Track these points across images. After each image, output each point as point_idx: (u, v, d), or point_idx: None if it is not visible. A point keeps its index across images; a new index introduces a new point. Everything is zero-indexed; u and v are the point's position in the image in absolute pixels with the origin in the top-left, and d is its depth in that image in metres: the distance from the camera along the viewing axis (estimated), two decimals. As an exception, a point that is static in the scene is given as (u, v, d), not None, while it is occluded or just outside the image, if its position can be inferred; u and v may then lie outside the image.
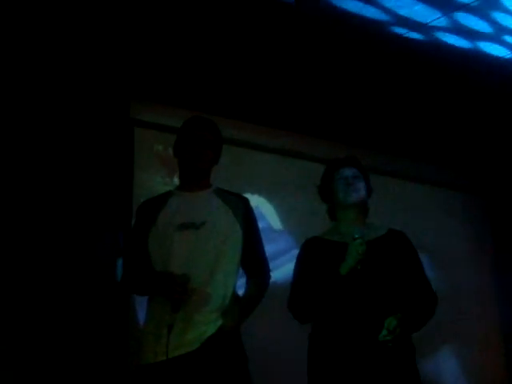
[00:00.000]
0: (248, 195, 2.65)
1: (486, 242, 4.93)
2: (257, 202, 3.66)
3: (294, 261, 2.52)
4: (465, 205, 4.90)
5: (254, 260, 2.47)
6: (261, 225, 2.60)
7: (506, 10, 3.36)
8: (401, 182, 4.54)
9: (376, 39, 3.50)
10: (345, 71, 3.76)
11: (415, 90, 3.95)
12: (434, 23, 3.40)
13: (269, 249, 2.61)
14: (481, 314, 4.66)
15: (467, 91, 3.90)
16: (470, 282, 4.67)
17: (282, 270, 3.16)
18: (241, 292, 2.43)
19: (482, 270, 4.82)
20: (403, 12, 3.33)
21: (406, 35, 3.47)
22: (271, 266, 2.55)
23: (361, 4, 3.27)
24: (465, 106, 3.96)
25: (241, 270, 2.46)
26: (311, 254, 2.45)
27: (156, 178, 3.61)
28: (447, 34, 3.54)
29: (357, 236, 2.30)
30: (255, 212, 2.58)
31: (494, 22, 3.47)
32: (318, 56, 3.66)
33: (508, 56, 3.59)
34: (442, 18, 3.37)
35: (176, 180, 3.12)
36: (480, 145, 4.54)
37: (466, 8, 3.28)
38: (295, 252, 2.59)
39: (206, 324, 2.25)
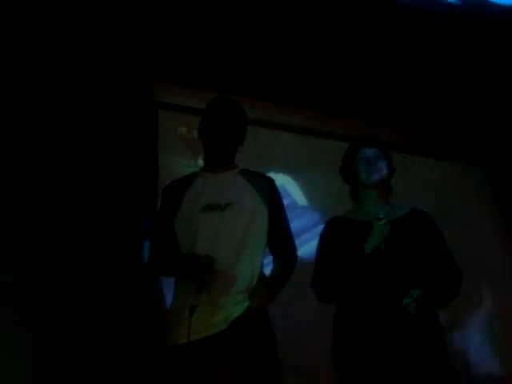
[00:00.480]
0: (273, 174, 2.65)
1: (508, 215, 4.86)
2: (282, 180, 3.65)
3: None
4: (488, 181, 4.85)
5: (281, 240, 2.47)
6: (286, 202, 2.59)
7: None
8: (420, 160, 4.50)
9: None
10: (367, 48, 3.71)
11: (430, 64, 3.88)
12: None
13: (294, 225, 2.61)
14: (505, 289, 4.63)
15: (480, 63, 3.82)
16: (495, 256, 4.64)
17: (308, 246, 3.16)
18: (267, 272, 2.43)
19: (506, 245, 4.76)
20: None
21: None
22: (297, 243, 2.54)
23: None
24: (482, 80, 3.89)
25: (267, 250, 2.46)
26: (334, 233, 2.45)
27: (181, 161, 3.63)
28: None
29: (382, 216, 2.29)
30: (280, 190, 2.57)
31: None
32: (341, 32, 3.62)
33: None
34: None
35: (200, 162, 3.14)
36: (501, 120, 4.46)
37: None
38: (320, 228, 2.59)
39: (234, 305, 2.25)
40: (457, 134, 4.54)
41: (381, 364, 2.22)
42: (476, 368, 4.18)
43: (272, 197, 2.46)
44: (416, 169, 4.40)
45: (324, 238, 2.50)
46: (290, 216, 2.54)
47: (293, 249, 2.51)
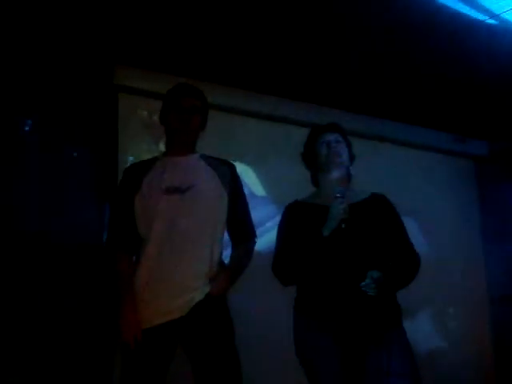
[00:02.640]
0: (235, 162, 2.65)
1: (472, 205, 4.98)
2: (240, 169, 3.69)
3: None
4: (451, 168, 4.92)
5: (240, 225, 2.49)
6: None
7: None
8: (385, 146, 4.53)
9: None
10: (331, 32, 3.68)
11: (394, 51, 3.88)
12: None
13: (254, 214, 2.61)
14: (467, 278, 4.72)
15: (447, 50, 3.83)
16: (457, 245, 4.72)
17: (266, 237, 3.18)
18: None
19: (469, 234, 4.87)
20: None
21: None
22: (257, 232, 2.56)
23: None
24: (449, 67, 3.91)
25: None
26: (293, 217, 2.47)
27: (141, 145, 3.57)
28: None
29: (338, 195, 2.31)
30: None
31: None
32: (305, 17, 3.58)
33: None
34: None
35: (162, 147, 3.13)
36: (468, 105, 4.50)
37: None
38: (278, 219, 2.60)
39: (194, 290, 2.27)
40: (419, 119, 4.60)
41: (339, 344, 2.25)
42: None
43: (232, 182, 2.47)
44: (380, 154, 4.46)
45: (283, 223, 2.52)
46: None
47: (252, 234, 2.53)
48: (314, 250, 2.32)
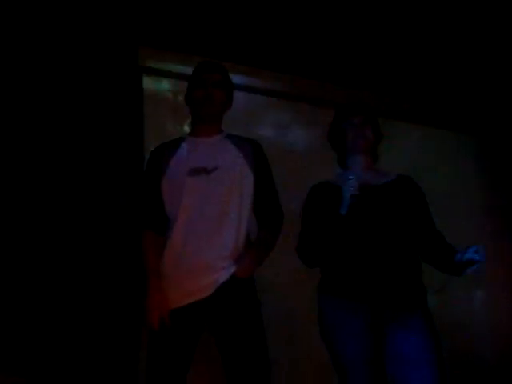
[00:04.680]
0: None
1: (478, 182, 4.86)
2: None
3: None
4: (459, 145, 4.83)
5: (267, 206, 2.47)
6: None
7: None
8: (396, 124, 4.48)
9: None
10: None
11: (409, 31, 3.83)
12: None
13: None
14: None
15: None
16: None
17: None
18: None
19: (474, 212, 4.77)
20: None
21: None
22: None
23: None
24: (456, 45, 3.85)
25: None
26: (316, 199, 2.46)
27: (166, 127, 3.58)
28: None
29: (351, 177, 2.29)
30: None
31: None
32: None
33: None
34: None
35: (186, 128, 3.13)
36: (472, 83, 4.44)
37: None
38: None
39: (221, 269, 2.27)
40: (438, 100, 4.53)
41: (366, 323, 2.24)
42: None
43: (258, 161, 2.46)
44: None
45: (307, 204, 2.51)
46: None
47: (279, 215, 2.51)
48: (333, 230, 2.31)
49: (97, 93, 3.40)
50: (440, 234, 2.45)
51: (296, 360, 3.48)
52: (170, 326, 2.23)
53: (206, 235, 2.28)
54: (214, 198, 2.32)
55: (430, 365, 2.18)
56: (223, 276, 2.27)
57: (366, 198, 2.33)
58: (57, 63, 3.33)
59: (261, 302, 2.36)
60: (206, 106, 2.44)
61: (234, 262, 2.30)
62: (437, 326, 2.30)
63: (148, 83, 3.59)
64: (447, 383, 2.20)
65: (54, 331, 2.96)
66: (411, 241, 2.34)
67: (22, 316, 2.91)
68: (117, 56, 3.48)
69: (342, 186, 2.31)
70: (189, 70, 2.60)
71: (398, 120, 4.35)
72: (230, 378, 2.25)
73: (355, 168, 2.48)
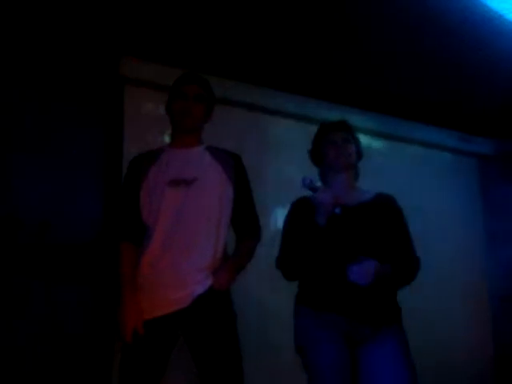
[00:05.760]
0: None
1: (475, 203, 4.98)
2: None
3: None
4: (455, 166, 4.92)
5: (245, 218, 2.48)
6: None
7: None
8: (390, 143, 4.54)
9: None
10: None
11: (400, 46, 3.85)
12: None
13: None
14: (469, 276, 4.73)
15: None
16: (459, 243, 4.73)
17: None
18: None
19: (471, 232, 4.88)
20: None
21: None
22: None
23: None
24: (454, 65, 3.88)
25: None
26: (297, 214, 2.46)
27: (147, 137, 3.55)
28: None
29: (307, 181, 2.29)
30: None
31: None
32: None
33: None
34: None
35: (167, 139, 3.12)
36: (474, 103, 4.49)
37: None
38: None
39: (197, 283, 2.26)
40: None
41: (339, 336, 2.24)
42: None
43: (238, 174, 2.46)
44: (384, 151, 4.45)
45: (288, 218, 2.51)
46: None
47: (257, 228, 2.51)
48: (313, 241, 2.30)
49: (77, 101, 3.39)
50: (412, 258, 2.43)
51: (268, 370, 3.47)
52: (143, 336, 2.22)
53: (184, 247, 2.28)
54: (192, 209, 2.32)
55: (402, 381, 2.19)
56: (199, 289, 2.26)
57: (342, 217, 2.33)
58: (39, 71, 3.31)
59: (236, 314, 2.36)
60: (184, 118, 2.44)
61: (211, 274, 2.30)
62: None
63: (129, 93, 3.57)
64: None
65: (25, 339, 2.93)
66: (386, 259, 2.33)
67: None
68: (98, 66, 3.48)
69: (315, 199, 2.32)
70: (170, 81, 2.59)
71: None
72: None
73: (336, 186, 2.49)
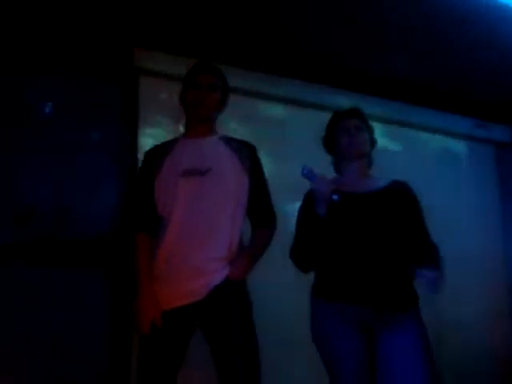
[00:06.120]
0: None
1: (493, 191, 4.93)
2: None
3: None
4: (472, 153, 4.87)
5: (261, 209, 2.47)
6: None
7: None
8: (405, 131, 4.49)
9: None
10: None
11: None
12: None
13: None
14: (487, 265, 4.68)
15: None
16: (477, 231, 4.68)
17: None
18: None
19: (489, 220, 4.82)
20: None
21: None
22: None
23: None
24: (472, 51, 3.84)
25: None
26: (307, 205, 2.44)
27: (162, 128, 3.55)
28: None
29: (306, 173, 2.28)
30: None
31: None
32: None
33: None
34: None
35: (182, 129, 3.12)
36: (491, 90, 4.44)
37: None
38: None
39: (213, 272, 2.27)
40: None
41: (357, 328, 2.24)
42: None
43: (253, 164, 2.46)
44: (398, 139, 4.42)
45: (301, 210, 2.50)
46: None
47: (273, 218, 2.51)
48: (316, 232, 2.30)
49: (92, 92, 3.39)
50: (430, 244, 2.42)
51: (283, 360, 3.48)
52: (161, 328, 2.22)
53: (200, 237, 2.28)
54: (207, 199, 2.32)
55: (421, 366, 2.19)
56: (216, 279, 2.27)
57: (355, 205, 2.34)
58: (53, 64, 3.32)
59: (252, 304, 2.36)
60: (198, 108, 2.44)
61: (228, 264, 2.30)
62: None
63: (144, 83, 3.57)
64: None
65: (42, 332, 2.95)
66: (401, 246, 2.33)
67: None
68: (112, 57, 3.48)
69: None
70: (185, 71, 2.59)
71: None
72: (222, 379, 2.25)
73: (349, 174, 2.48)
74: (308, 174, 2.26)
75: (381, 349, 2.26)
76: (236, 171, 2.39)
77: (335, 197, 2.23)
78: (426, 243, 2.41)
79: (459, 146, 4.82)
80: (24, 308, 2.93)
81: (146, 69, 3.55)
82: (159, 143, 2.56)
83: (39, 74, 3.26)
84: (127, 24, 3.41)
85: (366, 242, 2.29)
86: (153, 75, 3.58)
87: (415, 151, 4.48)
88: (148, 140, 3.41)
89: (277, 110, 4.00)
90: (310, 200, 2.42)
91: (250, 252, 2.38)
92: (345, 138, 2.48)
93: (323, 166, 2.57)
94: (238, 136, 2.61)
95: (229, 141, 2.49)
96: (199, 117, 2.45)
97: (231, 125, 3.39)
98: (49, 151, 3.21)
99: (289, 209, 2.83)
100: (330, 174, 2.55)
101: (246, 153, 2.46)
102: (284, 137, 3.92)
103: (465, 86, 4.30)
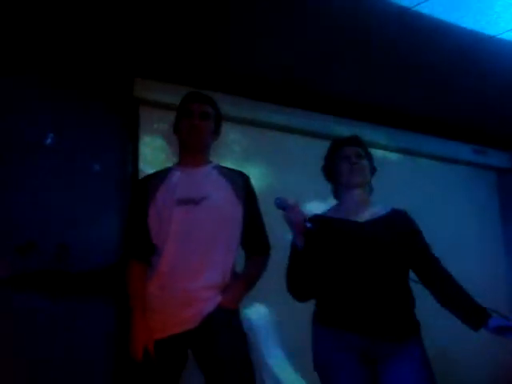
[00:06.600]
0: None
1: (494, 217, 4.92)
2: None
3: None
4: (473, 180, 4.88)
5: (255, 237, 2.46)
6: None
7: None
8: (406, 158, 4.52)
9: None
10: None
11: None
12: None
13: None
14: (489, 290, 4.65)
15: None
16: (479, 256, 4.66)
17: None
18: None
19: (491, 245, 4.80)
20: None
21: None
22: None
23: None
24: (468, 78, 3.88)
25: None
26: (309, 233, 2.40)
27: (162, 157, 3.58)
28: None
29: (277, 201, 2.24)
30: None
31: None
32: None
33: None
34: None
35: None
36: (490, 116, 4.46)
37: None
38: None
39: (205, 300, 2.24)
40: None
41: (360, 357, 2.20)
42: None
43: (247, 193, 2.45)
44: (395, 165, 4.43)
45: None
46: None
47: (266, 246, 2.49)
48: (296, 263, 2.28)
49: (92, 122, 3.42)
50: (445, 270, 2.40)
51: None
52: (154, 356, 2.20)
53: (193, 266, 2.26)
54: (201, 228, 2.31)
55: None
56: (209, 306, 2.25)
57: (356, 233, 2.32)
58: (54, 94, 3.35)
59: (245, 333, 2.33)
60: (192, 136, 2.43)
61: (220, 292, 2.28)
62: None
63: (144, 114, 3.60)
64: None
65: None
66: (401, 274, 2.31)
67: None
68: (112, 88, 3.51)
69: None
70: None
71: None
72: None
73: (349, 201, 2.47)
74: (280, 204, 2.22)
75: (383, 378, 2.21)
76: (230, 200, 2.38)
77: (309, 224, 2.21)
78: (438, 270, 2.38)
79: (460, 172, 4.83)
80: (26, 335, 2.95)
81: (145, 99, 3.57)
82: (151, 173, 2.56)
83: (40, 105, 3.29)
84: (126, 56, 3.44)
85: (367, 270, 2.26)
86: (153, 105, 3.61)
87: (416, 177, 4.49)
88: (148, 170, 3.41)
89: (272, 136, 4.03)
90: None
91: (243, 280, 2.37)
92: (345, 166, 2.47)
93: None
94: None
95: (223, 170, 2.48)
96: (193, 144, 2.45)
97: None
98: (50, 181, 3.23)
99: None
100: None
101: (240, 182, 2.45)
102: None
103: (464, 113, 4.33)
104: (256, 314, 3.48)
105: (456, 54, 3.49)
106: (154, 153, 3.59)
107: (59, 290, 3.09)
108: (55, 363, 2.98)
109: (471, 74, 3.76)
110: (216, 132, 2.54)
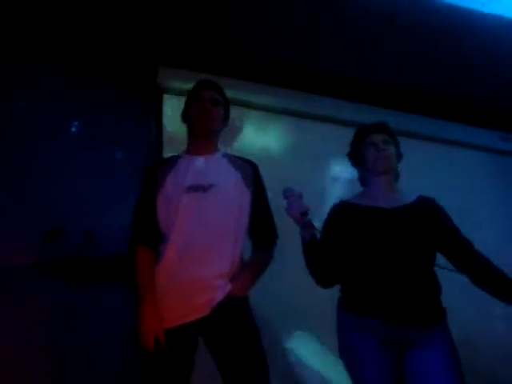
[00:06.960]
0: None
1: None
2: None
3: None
4: (494, 166, 4.77)
5: (263, 226, 2.45)
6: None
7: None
8: (427, 144, 4.45)
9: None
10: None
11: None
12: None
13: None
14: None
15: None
16: (500, 245, 4.60)
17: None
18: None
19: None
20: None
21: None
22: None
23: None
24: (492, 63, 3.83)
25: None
26: (338, 219, 2.42)
27: (185, 146, 3.58)
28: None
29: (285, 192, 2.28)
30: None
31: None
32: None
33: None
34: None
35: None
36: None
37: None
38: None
39: (215, 289, 2.24)
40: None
41: (386, 344, 2.20)
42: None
43: (255, 181, 2.45)
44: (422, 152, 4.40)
45: (325, 223, 2.47)
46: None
47: (274, 235, 2.49)
48: (307, 254, 2.32)
49: (116, 111, 3.43)
50: (479, 253, 2.36)
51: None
52: (165, 346, 2.19)
53: (202, 253, 2.26)
54: (210, 215, 2.31)
55: (451, 382, 2.13)
56: (219, 295, 2.24)
57: (384, 220, 2.31)
58: (79, 83, 3.36)
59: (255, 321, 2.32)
60: (203, 121, 2.44)
61: (230, 280, 2.28)
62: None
63: (168, 102, 3.60)
64: None
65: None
66: (428, 261, 2.30)
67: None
68: (136, 76, 3.52)
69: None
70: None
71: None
72: None
73: (377, 188, 2.46)
74: (284, 194, 2.27)
75: (409, 365, 2.20)
76: (239, 188, 2.39)
77: (307, 218, 2.25)
78: (473, 253, 2.35)
79: (486, 159, 4.75)
80: (47, 322, 2.99)
81: (168, 87, 3.57)
82: (160, 160, 2.57)
83: (65, 92, 3.31)
84: (150, 45, 3.44)
85: (395, 257, 2.24)
86: (176, 93, 3.61)
87: (436, 164, 4.44)
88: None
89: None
90: (338, 215, 2.42)
91: (252, 269, 2.36)
92: (372, 153, 2.45)
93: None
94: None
95: (232, 158, 2.49)
96: (203, 129, 2.46)
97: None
98: (74, 168, 3.25)
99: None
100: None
101: (249, 171, 2.45)
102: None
103: (492, 100, 4.28)
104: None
105: (484, 39, 3.43)
106: (177, 140, 3.59)
107: (82, 277, 3.10)
108: (75, 351, 3.02)
109: (499, 60, 3.70)
110: (225, 118, 2.55)
